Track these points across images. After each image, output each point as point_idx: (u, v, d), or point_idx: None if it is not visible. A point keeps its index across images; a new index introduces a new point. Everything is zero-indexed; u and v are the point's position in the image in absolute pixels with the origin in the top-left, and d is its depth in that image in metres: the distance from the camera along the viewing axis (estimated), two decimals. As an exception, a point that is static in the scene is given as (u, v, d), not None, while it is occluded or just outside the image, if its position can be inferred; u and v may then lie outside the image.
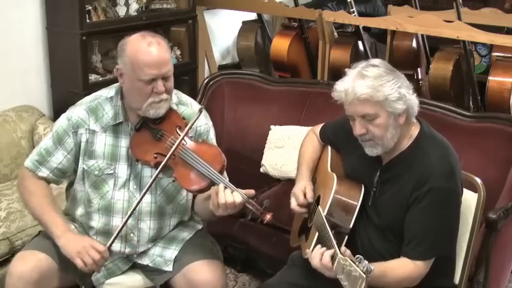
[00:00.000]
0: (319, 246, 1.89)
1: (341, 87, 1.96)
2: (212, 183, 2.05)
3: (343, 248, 1.82)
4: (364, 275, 1.65)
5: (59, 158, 2.18)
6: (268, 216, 1.99)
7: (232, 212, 2.02)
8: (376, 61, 2.00)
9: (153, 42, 2.07)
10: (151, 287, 2.30)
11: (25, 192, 2.22)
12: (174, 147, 2.06)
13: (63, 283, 2.18)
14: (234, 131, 3.55)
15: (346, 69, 2.00)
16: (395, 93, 1.91)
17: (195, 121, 2.11)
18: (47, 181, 2.22)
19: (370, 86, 1.90)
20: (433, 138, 2.04)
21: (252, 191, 2.04)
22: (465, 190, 2.12)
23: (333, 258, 1.81)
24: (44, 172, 2.19)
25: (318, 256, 1.85)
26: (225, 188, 2.00)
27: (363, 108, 1.92)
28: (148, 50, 2.05)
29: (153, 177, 2.09)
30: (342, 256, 1.76)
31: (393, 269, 1.93)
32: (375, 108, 1.92)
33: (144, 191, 2.09)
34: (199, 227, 2.35)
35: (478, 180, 2.14)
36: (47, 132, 3.26)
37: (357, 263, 1.69)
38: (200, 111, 2.12)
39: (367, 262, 1.69)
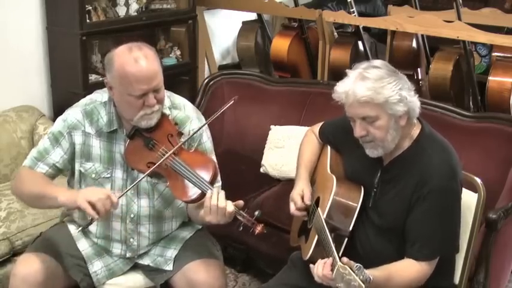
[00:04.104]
0: (320, 261, 1.88)
1: (341, 88, 1.95)
2: (203, 195, 2.03)
3: (344, 259, 1.80)
4: (364, 285, 1.66)
5: (57, 156, 2.17)
6: (259, 228, 1.98)
7: (223, 221, 2.00)
8: (378, 62, 1.99)
9: (141, 57, 2.02)
10: (152, 287, 2.30)
11: (17, 182, 2.19)
12: (161, 160, 2.04)
13: (67, 284, 2.18)
14: (233, 131, 3.55)
15: (347, 70, 1.99)
16: (396, 95, 1.90)
17: (182, 143, 2.10)
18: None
19: (370, 88, 1.89)
20: (433, 139, 2.03)
21: (241, 202, 2.03)
22: (465, 190, 2.11)
23: (332, 265, 1.81)
24: (43, 168, 2.17)
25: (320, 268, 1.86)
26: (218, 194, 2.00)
27: (364, 111, 1.92)
28: (136, 65, 2.00)
29: (140, 179, 2.08)
30: (342, 264, 1.76)
31: (398, 272, 1.93)
32: (375, 111, 1.91)
33: (125, 190, 2.10)
34: (199, 226, 2.35)
35: (478, 180, 2.13)
36: (47, 132, 3.27)
37: (356, 272, 1.70)
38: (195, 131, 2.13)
39: (366, 271, 1.70)
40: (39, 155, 2.18)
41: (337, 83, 1.98)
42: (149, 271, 2.25)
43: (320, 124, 2.34)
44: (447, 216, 1.97)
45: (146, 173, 2.06)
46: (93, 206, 1.95)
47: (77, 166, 2.19)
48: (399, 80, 1.93)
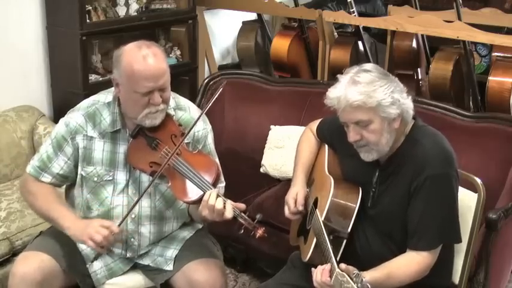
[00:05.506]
0: (319, 267, 1.89)
1: (333, 94, 1.95)
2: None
3: (342, 265, 1.82)
4: None
5: (60, 164, 2.18)
6: (260, 231, 1.98)
7: (218, 219, 2.00)
8: (368, 66, 1.99)
9: (149, 54, 2.02)
10: (152, 287, 2.30)
11: (28, 195, 2.22)
12: (165, 161, 2.04)
13: (65, 284, 2.18)
14: (234, 131, 3.55)
15: (338, 75, 1.99)
16: (388, 98, 1.90)
17: (184, 138, 2.09)
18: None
19: (362, 92, 1.89)
20: (425, 130, 2.04)
21: (243, 205, 2.02)
22: (465, 190, 2.12)
23: (330, 272, 1.83)
24: (47, 178, 2.19)
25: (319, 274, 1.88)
26: (218, 196, 1.99)
27: (356, 115, 1.92)
28: (144, 62, 2.01)
29: (149, 183, 2.09)
30: (340, 271, 1.77)
31: (399, 268, 1.94)
32: (368, 115, 1.91)
33: (140, 195, 2.10)
34: (200, 226, 2.35)
35: (478, 180, 2.13)
36: (47, 132, 3.27)
37: (354, 279, 1.72)
38: (194, 123, 2.12)
39: (364, 278, 1.72)
40: (43, 164, 2.19)
41: (329, 89, 1.98)
42: (149, 271, 2.25)
43: (318, 121, 2.34)
44: (445, 203, 1.97)
45: (156, 175, 2.05)
46: (98, 243, 2.02)
47: (79, 170, 2.19)
48: (391, 83, 1.93)
